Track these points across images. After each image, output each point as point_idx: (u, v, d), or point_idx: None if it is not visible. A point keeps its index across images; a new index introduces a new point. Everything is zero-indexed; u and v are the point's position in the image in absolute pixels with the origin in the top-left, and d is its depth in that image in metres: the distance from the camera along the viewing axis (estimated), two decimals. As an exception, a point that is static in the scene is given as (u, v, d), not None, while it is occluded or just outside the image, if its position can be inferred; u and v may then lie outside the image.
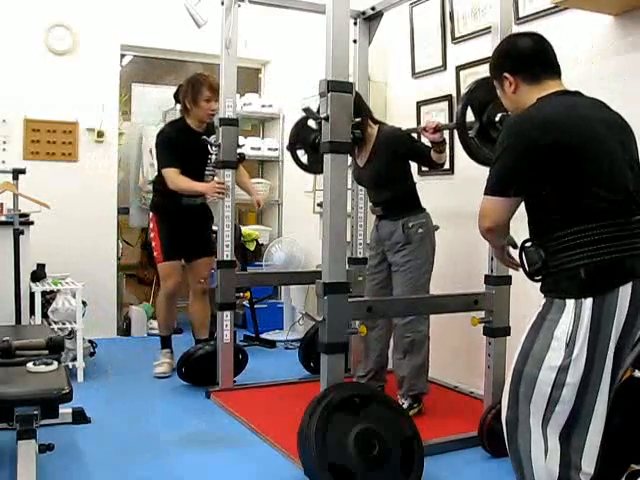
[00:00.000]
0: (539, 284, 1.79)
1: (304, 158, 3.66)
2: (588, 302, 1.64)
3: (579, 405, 1.65)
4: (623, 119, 1.84)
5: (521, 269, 1.83)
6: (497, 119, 2.42)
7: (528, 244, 1.80)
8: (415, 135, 3.35)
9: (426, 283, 3.19)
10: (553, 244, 1.70)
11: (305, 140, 3.56)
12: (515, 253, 1.94)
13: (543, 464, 1.69)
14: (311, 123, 3.56)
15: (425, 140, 3.13)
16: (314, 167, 3.69)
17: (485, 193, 1.80)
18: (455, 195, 3.70)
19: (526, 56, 1.87)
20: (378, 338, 3.35)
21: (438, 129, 2.95)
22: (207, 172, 3.90)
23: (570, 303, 1.66)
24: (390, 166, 3.18)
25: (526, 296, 3.05)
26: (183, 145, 3.80)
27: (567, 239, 1.67)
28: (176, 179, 3.73)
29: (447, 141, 3.10)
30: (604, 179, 1.68)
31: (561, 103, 1.78)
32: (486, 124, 2.46)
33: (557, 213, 1.70)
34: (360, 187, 3.81)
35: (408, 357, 3.16)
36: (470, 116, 2.57)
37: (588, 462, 1.68)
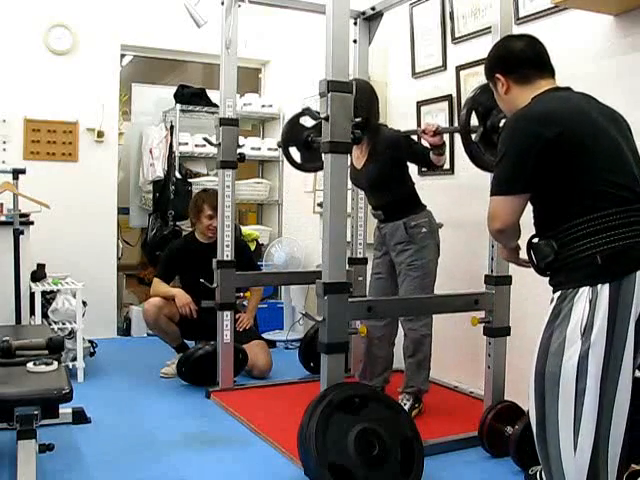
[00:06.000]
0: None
1: (297, 156, 3.66)
2: (605, 288, 1.63)
3: (606, 394, 1.64)
4: (615, 111, 1.86)
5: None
6: (501, 124, 2.39)
7: (536, 239, 1.80)
8: (415, 137, 3.33)
9: (432, 282, 3.17)
10: (566, 234, 1.70)
11: (298, 138, 3.55)
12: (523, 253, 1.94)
13: (572, 459, 1.66)
14: (303, 121, 3.56)
15: (425, 142, 3.12)
16: (307, 165, 3.69)
17: (492, 194, 1.80)
18: (455, 195, 3.70)
19: (517, 57, 1.92)
20: (382, 346, 3.31)
21: (438, 132, 2.92)
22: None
23: (584, 291, 1.65)
24: (388, 168, 3.16)
25: (527, 296, 3.07)
26: (186, 255, 4.16)
27: (582, 227, 1.67)
28: (156, 286, 4.12)
29: (446, 144, 3.08)
30: (613, 166, 1.70)
31: (556, 98, 1.81)
32: (489, 129, 2.44)
33: (569, 203, 1.70)
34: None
35: (409, 352, 3.17)
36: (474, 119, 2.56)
37: (613, 456, 1.67)
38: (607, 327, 1.63)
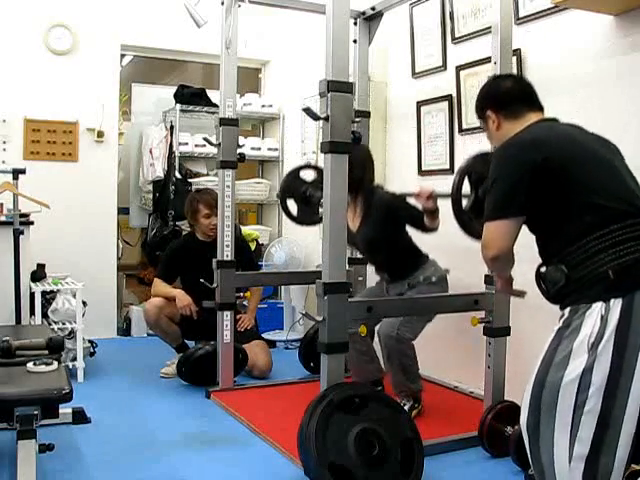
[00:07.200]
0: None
1: (294, 209, 3.65)
2: (617, 303, 1.61)
3: (608, 407, 1.59)
4: (604, 137, 1.88)
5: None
6: None
7: (543, 268, 1.78)
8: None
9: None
10: (576, 255, 1.68)
11: (296, 191, 3.59)
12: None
13: (567, 469, 1.62)
14: (303, 175, 3.58)
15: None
16: (304, 219, 3.69)
17: (485, 220, 1.82)
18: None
19: (506, 94, 2.01)
20: (357, 339, 3.30)
21: (431, 196, 2.88)
22: None
23: (597, 306, 1.62)
24: (383, 231, 3.18)
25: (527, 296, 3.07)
26: (186, 255, 4.13)
27: (591, 245, 1.66)
28: (157, 286, 4.10)
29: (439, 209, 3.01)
30: (609, 182, 1.71)
31: (544, 126, 1.89)
32: (482, 198, 2.42)
33: (572, 224, 1.70)
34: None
35: (389, 361, 3.12)
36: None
37: (617, 474, 1.62)
38: (615, 342, 1.58)
